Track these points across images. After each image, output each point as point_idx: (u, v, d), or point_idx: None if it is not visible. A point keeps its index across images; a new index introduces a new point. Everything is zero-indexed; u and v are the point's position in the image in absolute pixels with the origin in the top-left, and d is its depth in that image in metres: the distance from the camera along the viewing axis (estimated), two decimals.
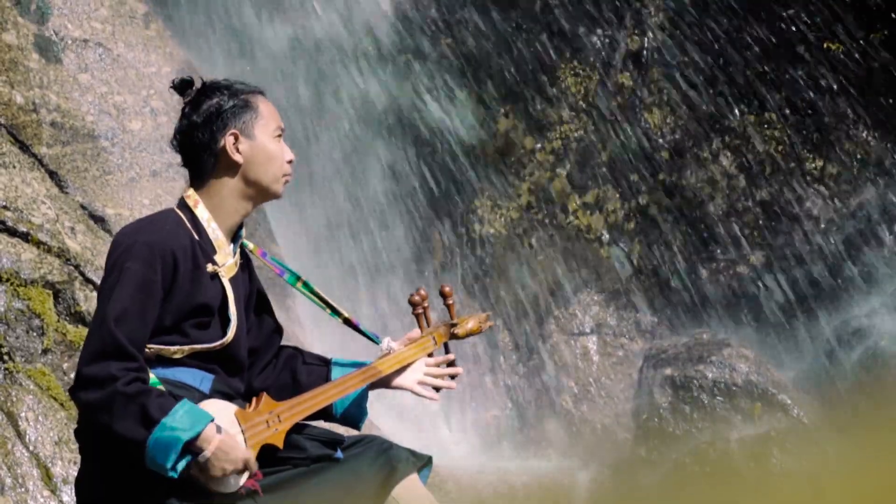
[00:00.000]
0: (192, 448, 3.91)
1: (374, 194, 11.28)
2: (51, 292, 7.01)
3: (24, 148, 7.77)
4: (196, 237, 4.19)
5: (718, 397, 10.36)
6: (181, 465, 3.91)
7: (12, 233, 7.07)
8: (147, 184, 8.31)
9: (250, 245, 4.43)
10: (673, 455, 10.18)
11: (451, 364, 4.60)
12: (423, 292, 4.54)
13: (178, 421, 3.89)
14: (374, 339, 4.57)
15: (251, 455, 4.03)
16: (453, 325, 4.57)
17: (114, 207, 8.03)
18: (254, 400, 4.17)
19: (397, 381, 4.51)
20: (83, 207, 7.87)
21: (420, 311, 4.54)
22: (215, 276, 4.20)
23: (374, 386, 4.50)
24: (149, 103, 8.61)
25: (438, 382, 4.56)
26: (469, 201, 11.47)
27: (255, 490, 4.09)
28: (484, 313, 4.68)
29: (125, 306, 3.98)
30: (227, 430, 3.99)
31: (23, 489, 6.42)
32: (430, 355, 4.58)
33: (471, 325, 4.59)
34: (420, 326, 4.56)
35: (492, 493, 9.61)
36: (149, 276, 4.03)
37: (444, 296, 4.54)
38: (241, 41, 10.97)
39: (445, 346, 4.60)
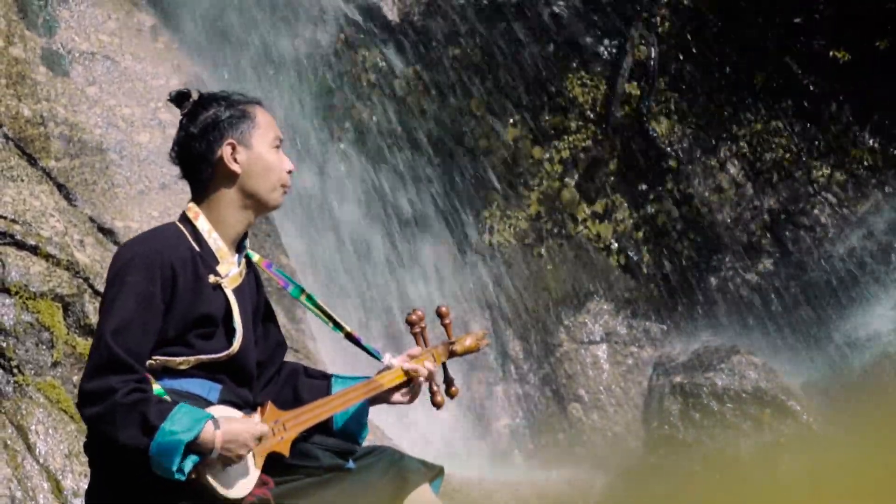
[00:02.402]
0: (195, 449, 3.92)
1: (383, 205, 11.29)
2: (60, 305, 7.02)
3: (32, 161, 7.78)
4: (197, 249, 4.20)
5: (728, 404, 10.36)
6: (187, 466, 3.92)
7: (21, 246, 7.08)
8: (156, 196, 8.32)
9: (256, 256, 4.43)
10: (683, 463, 10.18)
11: (447, 375, 4.63)
12: (419, 312, 4.56)
13: (177, 424, 3.89)
14: (375, 355, 4.59)
15: (257, 426, 4.04)
16: (451, 344, 4.62)
17: (122, 220, 8.04)
18: (259, 409, 4.18)
19: (396, 396, 4.53)
20: (92, 220, 7.88)
21: (418, 329, 4.57)
22: (218, 287, 4.20)
23: (374, 402, 4.52)
24: (157, 115, 8.63)
25: (437, 389, 4.58)
26: (478, 211, 11.47)
27: (267, 499, 4.11)
28: (481, 331, 4.73)
29: (124, 319, 4.00)
30: (224, 419, 3.99)
31: (33, 502, 6.43)
32: None
33: (468, 342, 4.66)
34: (418, 345, 4.60)
35: (503, 502, 9.61)
36: (147, 287, 4.05)
37: (441, 316, 4.59)
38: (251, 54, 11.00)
39: (444, 365, 4.64)
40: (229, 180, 4.25)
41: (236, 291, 4.26)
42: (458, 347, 4.62)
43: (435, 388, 4.58)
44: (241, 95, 4.34)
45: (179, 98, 4.32)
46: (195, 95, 4.32)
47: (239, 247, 4.33)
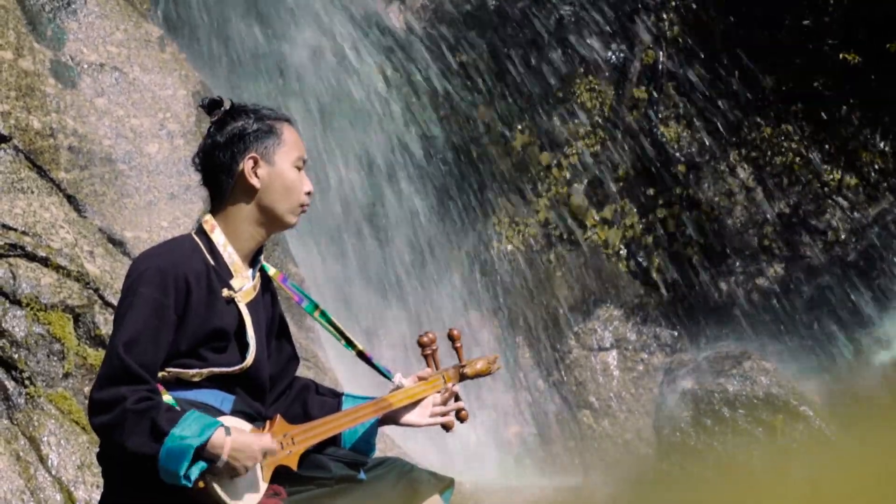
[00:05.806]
0: (204, 455, 3.92)
1: (393, 213, 11.29)
2: (71, 316, 7.02)
3: (41, 173, 7.78)
4: (212, 262, 4.19)
5: (740, 410, 10.34)
6: (194, 473, 3.91)
7: (31, 258, 7.09)
8: (165, 206, 8.32)
9: (272, 270, 4.43)
10: (695, 469, 10.17)
11: (457, 399, 4.61)
12: (431, 335, 4.57)
13: (186, 429, 3.89)
14: (386, 375, 4.58)
15: (267, 441, 4.04)
16: (462, 367, 4.61)
17: (132, 231, 8.04)
18: (268, 422, 4.18)
19: (406, 417, 4.53)
20: (102, 231, 7.88)
21: (429, 352, 4.58)
22: (231, 301, 4.20)
23: (384, 422, 4.52)
24: (165, 126, 8.62)
25: (447, 413, 4.56)
26: (487, 218, 11.47)
27: None
28: (493, 355, 4.72)
29: (136, 331, 4.00)
30: (235, 429, 3.99)
31: None
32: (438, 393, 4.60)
33: (480, 365, 4.65)
34: (429, 366, 4.60)
35: None
36: (161, 300, 4.04)
37: (452, 339, 4.60)
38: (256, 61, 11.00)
39: None
40: (248, 194, 4.25)
41: (250, 305, 4.25)
42: (469, 370, 4.61)
43: (445, 410, 4.58)
44: (271, 111, 4.33)
45: (211, 106, 4.31)
46: (227, 105, 4.31)
47: (253, 260, 4.32)
